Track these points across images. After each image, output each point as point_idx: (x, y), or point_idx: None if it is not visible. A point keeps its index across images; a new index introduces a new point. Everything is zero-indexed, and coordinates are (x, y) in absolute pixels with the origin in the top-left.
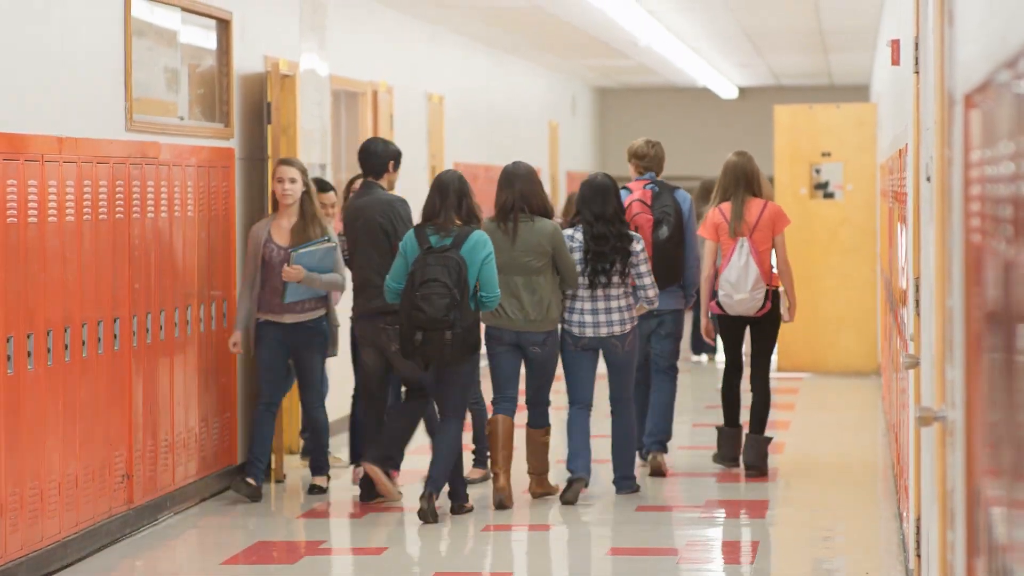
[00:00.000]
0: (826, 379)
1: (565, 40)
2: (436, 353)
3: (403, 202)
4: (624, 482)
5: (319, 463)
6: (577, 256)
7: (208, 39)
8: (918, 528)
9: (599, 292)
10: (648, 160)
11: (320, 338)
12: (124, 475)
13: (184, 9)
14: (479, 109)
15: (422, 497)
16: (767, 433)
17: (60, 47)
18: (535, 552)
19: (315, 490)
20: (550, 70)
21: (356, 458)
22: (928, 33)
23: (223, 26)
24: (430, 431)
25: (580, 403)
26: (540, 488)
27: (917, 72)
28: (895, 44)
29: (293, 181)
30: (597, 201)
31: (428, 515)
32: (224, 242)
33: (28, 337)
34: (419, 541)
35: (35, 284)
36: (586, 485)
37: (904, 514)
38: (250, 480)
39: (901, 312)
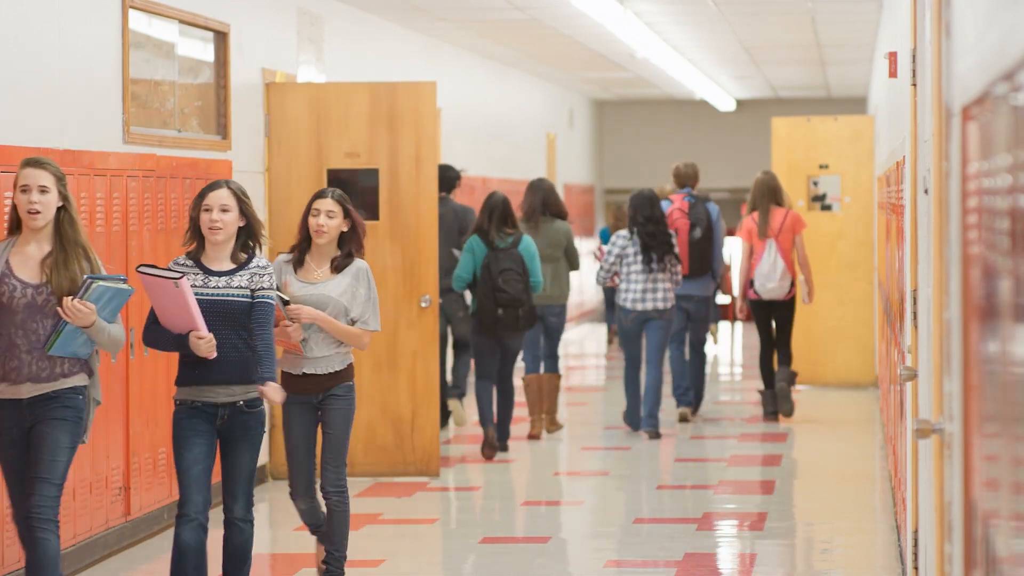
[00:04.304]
0: (824, 391)
1: (563, 53)
2: (512, 324)
3: (472, 211)
4: (649, 420)
5: None
6: (635, 249)
7: (206, 51)
8: (915, 541)
9: (654, 275)
10: (684, 177)
11: (71, 411)
12: (121, 487)
13: (182, 22)
14: (477, 121)
15: (494, 438)
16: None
17: (58, 59)
18: (532, 566)
19: None
20: (548, 82)
21: None
22: (925, 45)
23: (220, 38)
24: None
25: (630, 360)
26: (553, 425)
27: (914, 84)
28: (892, 56)
29: (44, 191)
30: (647, 207)
31: (495, 443)
32: None
33: None
34: (416, 554)
35: None
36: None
37: (902, 527)
38: None
39: (899, 324)
